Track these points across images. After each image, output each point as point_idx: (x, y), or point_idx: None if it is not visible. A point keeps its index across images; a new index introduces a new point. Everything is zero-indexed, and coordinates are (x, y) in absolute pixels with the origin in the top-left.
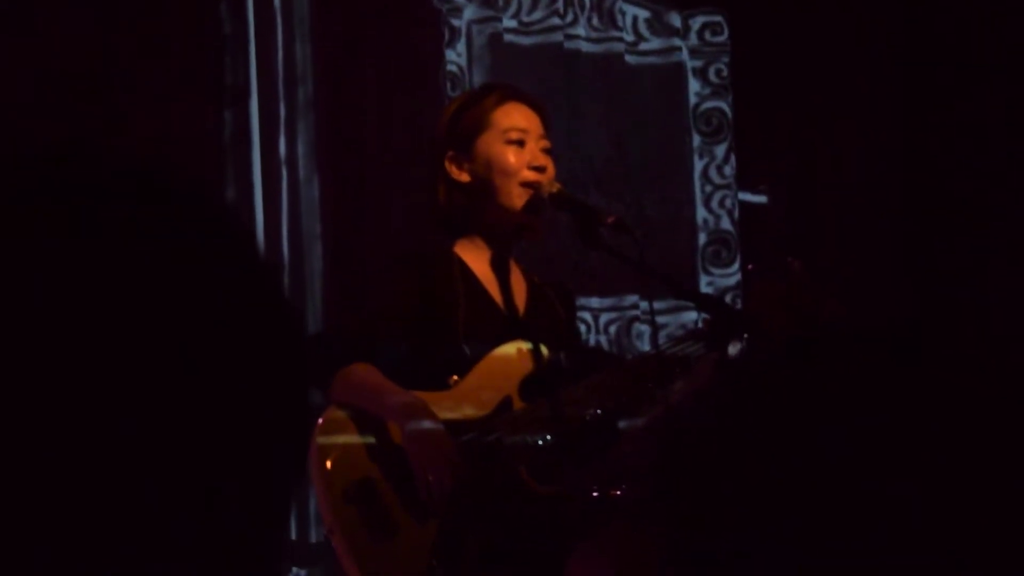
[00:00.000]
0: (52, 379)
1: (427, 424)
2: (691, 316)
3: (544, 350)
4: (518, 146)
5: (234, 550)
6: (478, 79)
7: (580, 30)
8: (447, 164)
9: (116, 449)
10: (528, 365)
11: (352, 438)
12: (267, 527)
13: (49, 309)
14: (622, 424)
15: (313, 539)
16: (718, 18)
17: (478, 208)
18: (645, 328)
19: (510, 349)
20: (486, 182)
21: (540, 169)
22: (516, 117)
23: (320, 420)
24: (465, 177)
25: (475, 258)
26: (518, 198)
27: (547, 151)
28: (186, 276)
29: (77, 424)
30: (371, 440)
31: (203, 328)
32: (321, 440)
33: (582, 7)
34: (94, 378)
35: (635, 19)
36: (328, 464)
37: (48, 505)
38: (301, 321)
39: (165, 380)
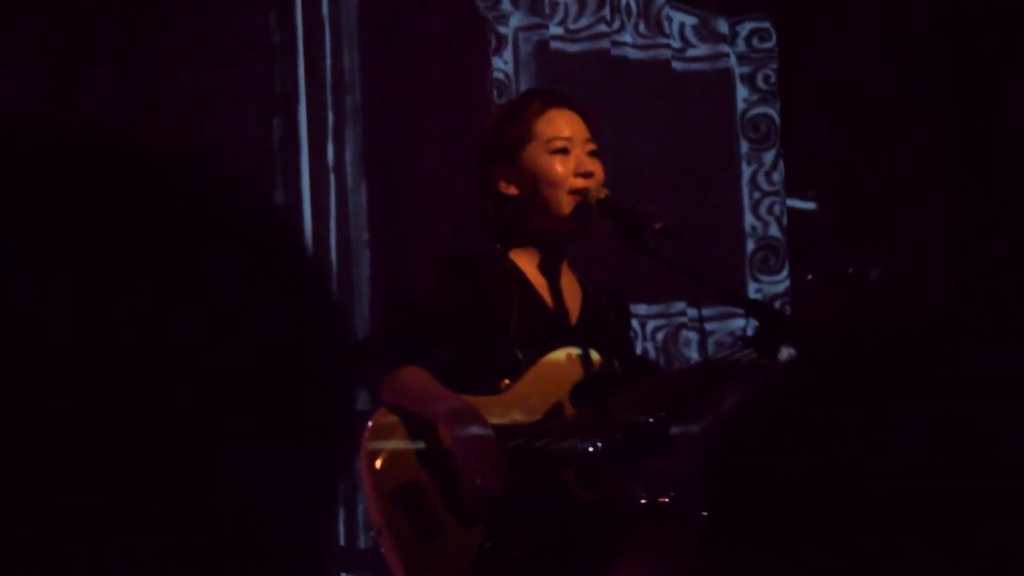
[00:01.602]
0: (94, 381)
1: (475, 429)
2: (739, 323)
3: (595, 356)
4: (563, 154)
5: (273, 555)
6: (524, 86)
7: (627, 37)
8: (494, 179)
9: (148, 452)
10: (579, 371)
11: (401, 441)
12: (308, 532)
13: (94, 311)
14: (672, 432)
15: (362, 545)
16: (766, 24)
17: (528, 219)
18: (693, 335)
19: (561, 355)
20: (534, 194)
21: (588, 175)
22: (559, 125)
23: (370, 423)
24: (513, 191)
25: (528, 264)
26: (567, 206)
27: (594, 153)
28: (234, 278)
29: (121, 428)
30: (420, 444)
31: (247, 330)
32: (371, 444)
33: (629, 14)
34: (139, 380)
35: (682, 26)
36: (377, 467)
37: (74, 506)
38: (347, 325)
39: (207, 383)
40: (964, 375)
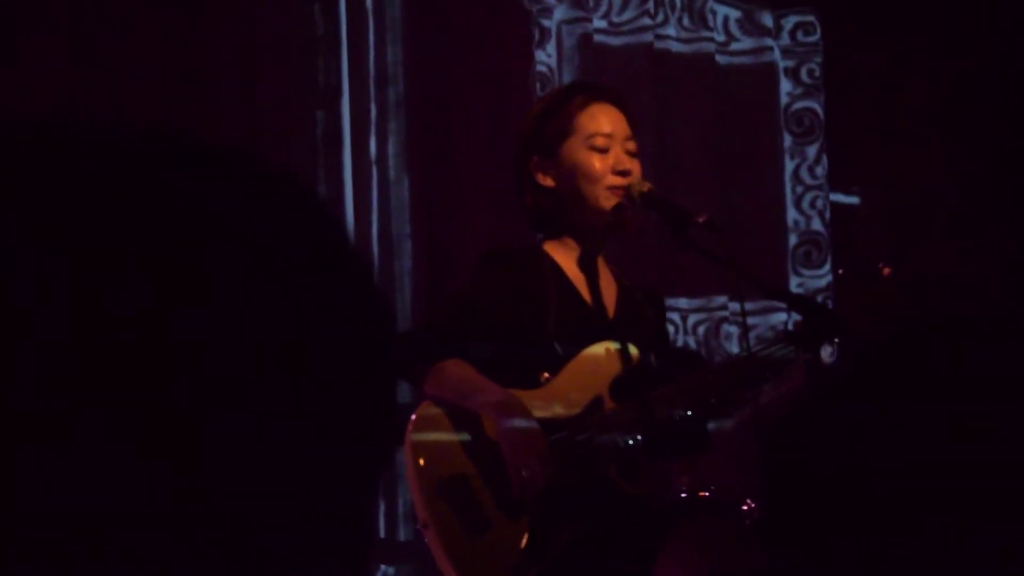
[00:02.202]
0: (94, 381)
1: (521, 421)
2: (781, 317)
3: (633, 351)
4: (602, 151)
5: (274, 554)
6: (567, 80)
7: (670, 30)
8: (532, 169)
9: (148, 452)
10: (618, 365)
11: (446, 434)
12: (315, 532)
13: (94, 311)
14: (712, 426)
15: (402, 537)
16: (810, 18)
17: (566, 211)
18: (734, 329)
19: (600, 349)
20: (572, 187)
21: (625, 173)
22: (601, 121)
23: (414, 416)
24: (550, 182)
25: (565, 258)
26: (605, 201)
27: (632, 153)
28: (235, 278)
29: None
30: (465, 436)
31: (248, 330)
32: (415, 436)
33: (673, 7)
34: (139, 380)
35: (726, 19)
36: (421, 460)
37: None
38: (392, 317)
39: (207, 383)
40: (978, 376)
